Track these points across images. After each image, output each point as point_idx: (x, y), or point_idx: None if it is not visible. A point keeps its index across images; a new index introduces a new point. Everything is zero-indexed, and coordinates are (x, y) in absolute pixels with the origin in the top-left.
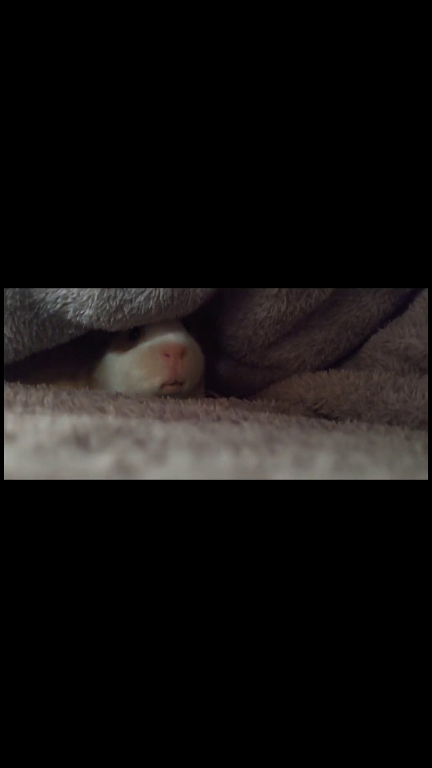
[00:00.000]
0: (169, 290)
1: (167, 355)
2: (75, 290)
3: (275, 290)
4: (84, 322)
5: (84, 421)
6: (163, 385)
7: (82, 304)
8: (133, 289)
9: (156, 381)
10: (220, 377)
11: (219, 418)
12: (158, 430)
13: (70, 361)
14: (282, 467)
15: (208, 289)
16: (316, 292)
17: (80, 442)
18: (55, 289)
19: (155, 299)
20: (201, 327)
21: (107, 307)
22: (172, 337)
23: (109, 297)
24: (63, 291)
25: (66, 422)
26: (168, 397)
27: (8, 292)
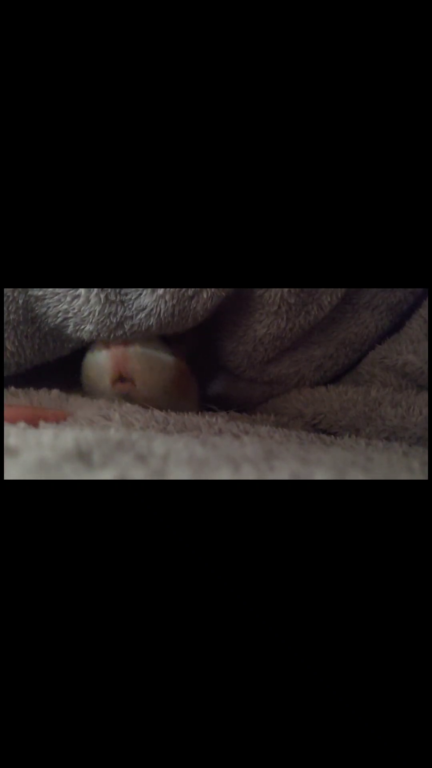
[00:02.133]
0: (170, 307)
1: (108, 348)
2: (76, 306)
3: (275, 307)
4: (84, 336)
5: (86, 435)
6: (113, 383)
7: (82, 319)
8: (134, 306)
9: (106, 379)
10: (220, 392)
11: (221, 431)
12: (159, 445)
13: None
14: None
15: (209, 306)
16: (315, 309)
17: (83, 457)
18: (56, 304)
19: (156, 316)
20: (200, 343)
21: (108, 323)
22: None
23: (109, 313)
24: (64, 306)
25: (69, 436)
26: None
27: (11, 307)
